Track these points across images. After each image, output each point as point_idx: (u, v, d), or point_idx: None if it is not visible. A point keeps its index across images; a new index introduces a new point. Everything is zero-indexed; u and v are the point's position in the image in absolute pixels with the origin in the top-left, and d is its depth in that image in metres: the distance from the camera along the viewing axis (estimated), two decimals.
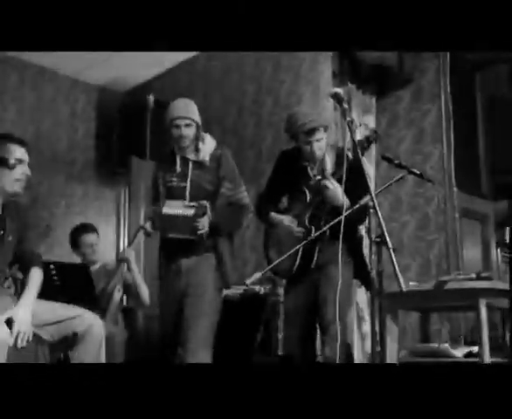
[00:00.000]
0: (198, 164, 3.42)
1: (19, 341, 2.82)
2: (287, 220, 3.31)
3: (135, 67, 5.70)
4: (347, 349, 3.52)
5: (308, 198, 3.31)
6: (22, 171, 2.98)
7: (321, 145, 3.28)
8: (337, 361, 2.93)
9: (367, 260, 3.35)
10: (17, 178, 2.95)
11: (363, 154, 3.03)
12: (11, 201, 3.08)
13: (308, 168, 3.33)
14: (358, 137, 3.28)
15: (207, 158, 3.44)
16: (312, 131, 3.22)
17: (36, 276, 3.09)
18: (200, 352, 3.23)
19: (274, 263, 3.09)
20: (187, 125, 3.35)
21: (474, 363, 2.74)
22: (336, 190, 3.08)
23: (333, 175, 3.20)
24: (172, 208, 3.32)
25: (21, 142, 3.03)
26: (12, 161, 2.89)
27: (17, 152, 2.98)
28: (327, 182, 3.13)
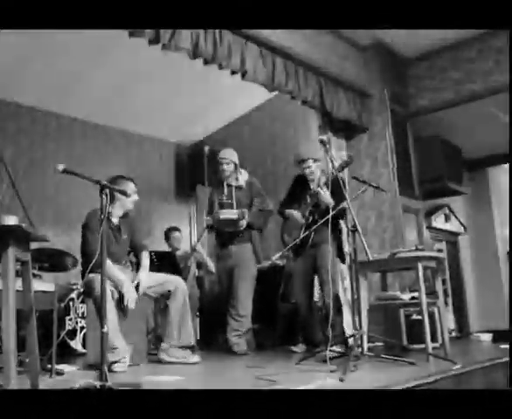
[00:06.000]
0: (238, 188, 4.32)
1: (141, 290, 3.55)
2: (295, 213, 4.09)
3: (195, 128, 6.84)
4: (336, 298, 4.02)
5: (309, 200, 4.02)
6: (134, 198, 3.73)
7: (311, 170, 4.06)
8: (331, 305, 3.57)
9: (343, 244, 4.18)
10: (131, 201, 3.72)
11: (342, 170, 3.56)
12: (125, 213, 3.78)
13: (311, 183, 4.09)
14: (336, 163, 3.50)
15: (243, 184, 4.32)
16: (303, 161, 4.10)
17: (145, 258, 3.80)
18: (245, 301, 4.15)
19: (289, 246, 3.85)
20: (227, 163, 4.28)
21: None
22: (326, 194, 3.79)
23: (324, 184, 3.85)
24: (224, 214, 4.21)
25: (133, 180, 3.80)
26: (129, 192, 3.50)
27: (132, 186, 3.74)
28: (319, 190, 3.83)
